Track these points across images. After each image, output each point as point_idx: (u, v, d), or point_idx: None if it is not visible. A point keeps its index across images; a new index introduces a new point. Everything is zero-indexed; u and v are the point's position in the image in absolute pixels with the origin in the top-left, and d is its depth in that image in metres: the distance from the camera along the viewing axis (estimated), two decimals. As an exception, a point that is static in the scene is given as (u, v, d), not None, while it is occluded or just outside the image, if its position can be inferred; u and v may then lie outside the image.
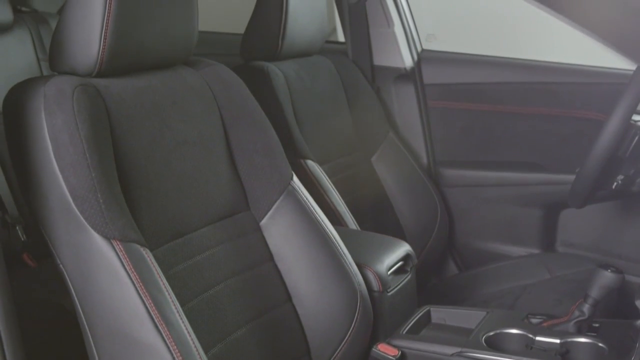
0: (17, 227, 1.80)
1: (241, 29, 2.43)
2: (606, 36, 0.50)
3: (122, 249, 1.30)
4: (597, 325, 1.72)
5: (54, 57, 1.46)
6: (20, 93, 1.39)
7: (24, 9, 3.06)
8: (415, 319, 1.84)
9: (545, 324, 1.75)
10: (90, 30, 1.40)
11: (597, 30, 0.50)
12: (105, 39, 1.40)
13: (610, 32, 0.49)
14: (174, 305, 1.33)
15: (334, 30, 3.63)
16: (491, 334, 1.72)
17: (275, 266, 1.70)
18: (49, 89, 1.36)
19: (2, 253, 1.27)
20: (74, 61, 1.43)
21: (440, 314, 1.89)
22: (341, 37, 3.34)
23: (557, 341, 1.66)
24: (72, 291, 1.35)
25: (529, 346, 1.68)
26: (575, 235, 2.59)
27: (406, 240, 1.97)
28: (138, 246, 1.33)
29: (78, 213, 1.30)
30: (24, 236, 1.80)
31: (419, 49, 2.83)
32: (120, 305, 1.30)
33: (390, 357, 1.70)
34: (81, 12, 1.41)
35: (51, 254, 1.37)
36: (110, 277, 1.29)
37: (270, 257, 1.70)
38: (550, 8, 0.51)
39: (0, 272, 1.25)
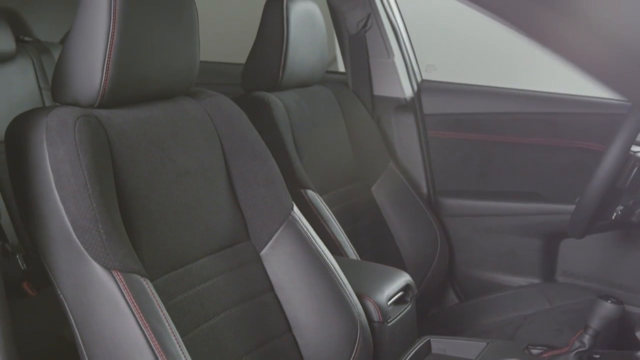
0: (18, 256, 1.80)
1: (242, 59, 2.45)
2: (598, 74, 0.51)
3: (122, 279, 1.30)
4: (597, 356, 1.71)
5: (57, 88, 1.47)
6: (23, 123, 1.40)
7: (26, 38, 3.08)
8: (415, 350, 1.84)
9: (545, 355, 1.74)
10: (92, 61, 1.41)
11: (588, 69, 0.51)
12: (107, 70, 1.41)
13: (602, 70, 0.50)
14: (174, 336, 1.33)
15: (334, 60, 3.65)
16: (492, 365, 1.72)
17: (276, 296, 1.70)
18: (51, 120, 1.37)
19: (3, 282, 1.28)
20: (76, 92, 1.44)
21: (441, 344, 1.89)
22: (341, 67, 3.36)
23: (558, 372, 1.66)
24: (72, 321, 1.35)
25: (530, 377, 1.68)
26: (576, 265, 2.58)
27: (406, 270, 1.97)
28: (138, 276, 1.34)
29: (79, 243, 1.30)
30: (24, 265, 1.80)
31: (419, 80, 2.84)
32: (120, 335, 1.29)
33: (391, 388, 1.70)
34: (84, 43, 1.42)
35: (51, 284, 1.37)
36: (111, 308, 1.29)
37: (270, 287, 1.70)
38: (542, 45, 0.52)
39: (0, 300, 1.25)
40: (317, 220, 2.15)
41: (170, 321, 1.35)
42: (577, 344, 1.69)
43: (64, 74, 1.45)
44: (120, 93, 1.48)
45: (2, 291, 1.27)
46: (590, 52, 0.53)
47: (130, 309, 1.28)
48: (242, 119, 1.77)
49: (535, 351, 1.77)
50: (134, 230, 1.44)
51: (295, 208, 1.76)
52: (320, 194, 2.26)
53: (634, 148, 1.97)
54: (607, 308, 1.65)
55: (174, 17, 1.54)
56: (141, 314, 1.29)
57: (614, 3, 0.53)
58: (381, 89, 2.80)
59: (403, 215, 2.63)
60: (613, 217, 2.03)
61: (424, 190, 2.77)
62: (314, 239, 1.73)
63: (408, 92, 2.78)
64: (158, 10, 1.50)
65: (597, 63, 0.54)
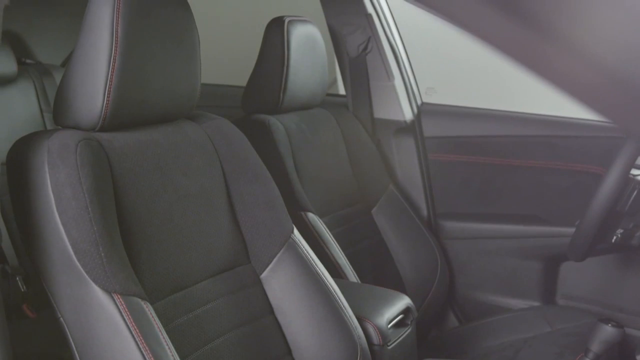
0: (17, 278, 1.80)
1: (243, 82, 2.46)
2: (593, 105, 0.51)
3: (122, 302, 1.30)
4: (598, 380, 1.71)
5: (58, 112, 1.48)
6: (25, 147, 1.40)
7: (28, 61, 3.09)
8: (415, 373, 1.84)
9: (546, 379, 1.74)
10: (94, 85, 1.42)
11: (583, 99, 0.51)
12: (109, 94, 1.42)
13: (597, 100, 0.50)
14: (174, 359, 1.33)
15: (335, 82, 3.66)
16: (492, 388, 1.72)
17: (276, 319, 1.70)
18: (53, 144, 1.37)
19: (2, 303, 1.28)
20: (77, 116, 1.45)
21: (441, 367, 1.89)
22: (342, 90, 3.38)
23: (558, 396, 1.66)
24: (72, 344, 1.35)
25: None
26: (576, 288, 2.58)
27: (406, 293, 1.97)
28: (139, 300, 1.34)
29: (79, 266, 1.30)
30: (24, 287, 1.80)
31: (419, 102, 2.85)
32: (120, 358, 1.29)
33: (391, 412, 1.69)
34: (86, 67, 1.43)
35: (51, 306, 1.37)
36: (111, 331, 1.29)
37: (270, 310, 1.70)
38: (536, 74, 0.52)
39: (0, 322, 1.25)
40: (317, 242, 2.15)
41: (170, 344, 1.35)
42: (577, 367, 1.69)
43: (66, 98, 1.46)
44: (122, 116, 1.48)
45: (1, 313, 1.27)
46: (580, 80, 0.53)
47: (131, 332, 1.28)
48: (242, 142, 1.78)
49: (535, 375, 1.76)
50: (134, 253, 1.44)
51: (296, 231, 1.76)
52: (321, 216, 2.26)
53: (634, 171, 1.97)
54: (607, 332, 1.66)
55: (175, 40, 1.55)
56: (141, 337, 1.29)
57: (602, 30, 0.54)
58: (381, 111, 2.81)
59: (403, 237, 2.63)
60: (613, 241, 2.03)
61: (424, 212, 2.78)
62: (314, 261, 1.73)
63: (408, 114, 2.79)
64: (160, 34, 1.51)
65: (590, 92, 0.54)
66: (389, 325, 1.83)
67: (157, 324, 1.34)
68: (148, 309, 1.35)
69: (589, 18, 0.54)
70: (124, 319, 1.29)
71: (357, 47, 2.77)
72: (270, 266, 1.70)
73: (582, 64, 0.53)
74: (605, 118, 0.57)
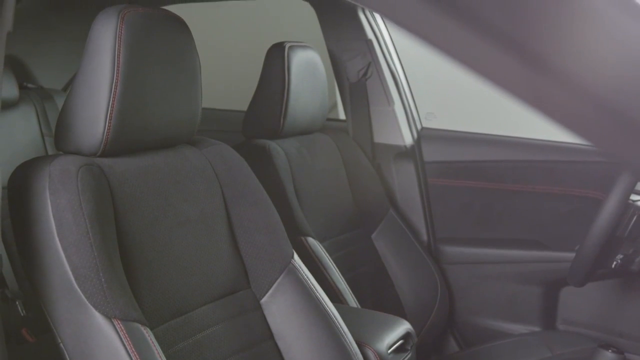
0: (17, 302, 1.79)
1: (243, 107, 2.47)
2: (586, 135, 0.52)
3: (122, 328, 1.30)
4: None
5: (60, 137, 1.49)
6: (26, 172, 1.41)
7: (29, 85, 3.10)
8: (415, 399, 1.83)
9: (546, 405, 1.73)
10: (95, 111, 1.43)
11: (576, 129, 0.51)
12: (110, 119, 1.43)
13: (589, 131, 0.51)
14: (174, 384, 1.33)
15: (335, 106, 3.67)
16: (492, 414, 1.71)
17: (275, 345, 1.69)
18: (54, 169, 1.38)
19: (2, 328, 1.28)
20: (79, 141, 1.46)
21: (441, 393, 1.88)
22: (342, 115, 3.38)
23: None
24: (72, 369, 1.35)
25: None
26: (576, 313, 2.58)
27: (406, 318, 1.97)
28: (139, 325, 1.34)
29: (80, 292, 1.30)
30: (24, 311, 1.79)
31: (419, 127, 2.86)
32: (120, 384, 1.29)
33: None
34: (87, 93, 1.44)
35: (51, 332, 1.37)
36: (111, 356, 1.29)
37: (270, 335, 1.70)
38: (529, 107, 0.53)
39: (0, 347, 1.25)
40: (317, 267, 2.15)
41: (170, 370, 1.35)
42: (578, 393, 1.68)
43: (68, 123, 1.46)
44: (123, 142, 1.49)
45: (1, 337, 1.27)
46: (571, 110, 0.54)
47: (131, 358, 1.28)
48: (243, 167, 1.78)
49: (536, 401, 1.76)
50: (134, 278, 1.44)
51: (296, 256, 1.76)
52: (321, 241, 2.26)
53: (633, 197, 1.98)
54: (607, 357, 1.65)
55: (176, 66, 1.56)
56: (141, 363, 1.29)
57: (593, 61, 0.54)
58: (381, 136, 2.82)
59: (403, 262, 2.62)
60: (613, 266, 2.03)
61: (424, 237, 2.78)
62: (314, 287, 1.73)
63: (408, 139, 2.80)
64: (161, 60, 1.52)
65: (581, 122, 0.55)
66: (389, 351, 1.82)
67: (157, 349, 1.34)
68: (148, 335, 1.34)
69: (580, 50, 0.54)
70: (124, 345, 1.29)
71: (357, 73, 2.78)
72: (270, 291, 1.70)
73: (573, 95, 0.54)
74: (598, 148, 0.58)
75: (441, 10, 0.54)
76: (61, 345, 1.35)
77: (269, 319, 1.70)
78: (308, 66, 2.41)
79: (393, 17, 0.59)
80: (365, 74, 2.76)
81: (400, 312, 2.55)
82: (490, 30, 0.53)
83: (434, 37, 0.56)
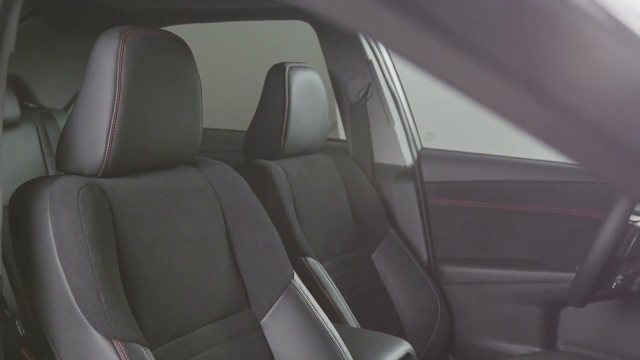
0: (17, 322, 1.79)
1: (244, 127, 2.47)
2: (582, 161, 0.52)
3: (122, 348, 1.30)
4: None
5: (61, 158, 1.49)
6: (27, 192, 1.41)
7: (31, 105, 3.10)
8: (416, 420, 1.82)
9: None
10: (97, 131, 1.43)
11: (570, 155, 0.52)
12: (111, 140, 1.43)
13: (585, 157, 0.51)
14: (174, 405, 1.33)
15: (335, 126, 3.68)
16: None
17: (276, 366, 1.69)
18: (55, 189, 1.38)
19: (1, 347, 1.28)
20: (80, 162, 1.46)
21: (442, 414, 1.88)
22: (342, 135, 3.39)
23: None
24: (72, 390, 1.34)
25: None
26: (576, 333, 2.57)
27: (406, 338, 1.97)
28: (139, 346, 1.33)
29: (80, 312, 1.30)
30: (23, 331, 1.79)
31: (419, 147, 2.87)
32: (119, 405, 1.29)
33: None
34: (89, 114, 1.44)
35: (51, 352, 1.37)
36: (111, 377, 1.29)
37: (270, 356, 1.69)
38: (524, 133, 0.53)
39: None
40: (317, 288, 2.15)
41: (169, 391, 1.34)
42: (578, 415, 1.68)
43: (69, 144, 1.47)
44: (124, 163, 1.50)
45: (0, 357, 1.27)
46: (566, 136, 0.54)
47: (130, 378, 1.28)
48: (243, 188, 1.79)
49: (536, 422, 1.75)
50: (135, 298, 1.44)
51: (296, 276, 1.76)
52: (321, 261, 2.26)
53: (633, 217, 1.98)
54: (608, 378, 1.65)
55: (177, 87, 1.57)
56: (141, 384, 1.29)
57: (588, 86, 0.55)
58: (382, 156, 2.83)
59: (403, 282, 2.62)
60: (613, 286, 2.03)
61: (424, 257, 2.77)
62: (314, 307, 1.73)
63: (408, 159, 2.81)
64: (162, 81, 1.53)
65: (576, 149, 0.55)
66: (389, 372, 1.82)
67: (157, 370, 1.34)
68: (148, 355, 1.34)
69: (574, 75, 0.55)
70: (124, 365, 1.29)
71: (357, 93, 2.79)
72: (270, 312, 1.70)
73: (568, 120, 0.54)
74: (595, 174, 0.58)
75: (442, 40, 0.55)
76: (61, 365, 1.35)
77: (269, 340, 1.70)
78: (309, 87, 2.42)
79: (392, 46, 0.60)
80: (365, 94, 2.77)
81: (401, 332, 2.54)
82: (486, 58, 0.54)
83: (436, 68, 0.56)
